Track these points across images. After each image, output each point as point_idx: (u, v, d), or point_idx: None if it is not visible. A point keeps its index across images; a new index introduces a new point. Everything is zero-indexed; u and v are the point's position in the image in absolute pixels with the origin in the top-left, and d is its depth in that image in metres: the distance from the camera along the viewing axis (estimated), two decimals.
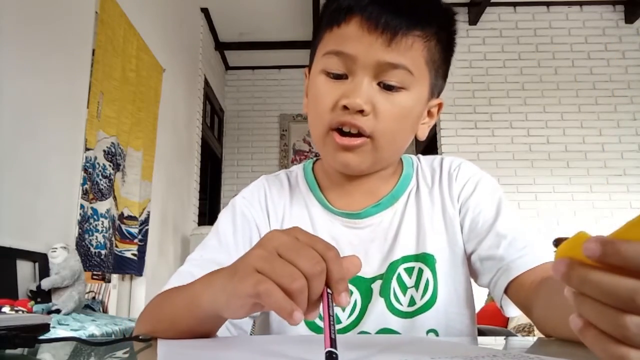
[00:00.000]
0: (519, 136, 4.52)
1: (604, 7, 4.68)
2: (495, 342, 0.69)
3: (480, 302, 2.41)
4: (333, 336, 0.36)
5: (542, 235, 0.70)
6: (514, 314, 0.64)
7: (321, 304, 0.39)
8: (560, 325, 0.52)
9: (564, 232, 2.73)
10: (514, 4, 4.71)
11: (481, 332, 0.77)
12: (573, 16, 4.68)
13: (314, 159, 0.79)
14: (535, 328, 2.42)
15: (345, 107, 0.61)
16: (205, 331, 0.51)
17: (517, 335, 2.24)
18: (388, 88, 0.62)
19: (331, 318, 0.37)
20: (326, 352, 0.35)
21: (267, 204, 0.74)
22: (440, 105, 0.71)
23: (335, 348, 0.35)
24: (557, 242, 2.48)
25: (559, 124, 4.51)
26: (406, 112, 0.64)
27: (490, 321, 2.74)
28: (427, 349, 0.41)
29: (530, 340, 0.74)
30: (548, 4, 4.69)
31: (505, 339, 0.89)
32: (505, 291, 0.63)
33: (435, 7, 0.65)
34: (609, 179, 4.39)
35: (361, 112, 0.61)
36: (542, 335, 0.59)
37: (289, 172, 0.79)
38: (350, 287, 0.68)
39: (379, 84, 0.62)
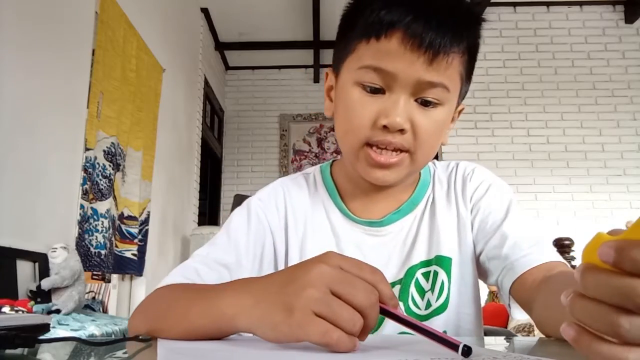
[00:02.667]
0: (519, 136, 4.52)
1: (604, 7, 4.68)
2: (495, 342, 0.69)
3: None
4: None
5: (548, 236, 0.70)
6: (519, 316, 0.64)
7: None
8: (560, 325, 0.52)
9: (564, 232, 2.73)
10: (514, 4, 4.71)
11: None
12: (573, 16, 4.69)
13: (331, 160, 0.79)
14: (535, 328, 2.41)
15: (384, 127, 0.60)
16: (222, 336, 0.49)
17: (517, 336, 2.23)
18: (425, 104, 0.61)
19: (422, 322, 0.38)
20: (463, 347, 0.36)
21: (286, 208, 0.73)
22: (461, 110, 0.72)
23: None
24: (557, 242, 2.47)
25: (559, 124, 4.51)
26: (441, 126, 0.64)
27: (490, 321, 2.74)
28: (428, 349, 0.41)
29: (530, 340, 0.74)
30: (548, 4, 4.70)
31: (505, 339, 0.89)
32: (510, 291, 0.64)
33: (472, 17, 0.63)
34: (609, 179, 4.40)
35: (400, 130, 0.60)
36: (542, 335, 0.59)
37: (305, 175, 0.78)
38: None
39: (416, 100, 0.61)
